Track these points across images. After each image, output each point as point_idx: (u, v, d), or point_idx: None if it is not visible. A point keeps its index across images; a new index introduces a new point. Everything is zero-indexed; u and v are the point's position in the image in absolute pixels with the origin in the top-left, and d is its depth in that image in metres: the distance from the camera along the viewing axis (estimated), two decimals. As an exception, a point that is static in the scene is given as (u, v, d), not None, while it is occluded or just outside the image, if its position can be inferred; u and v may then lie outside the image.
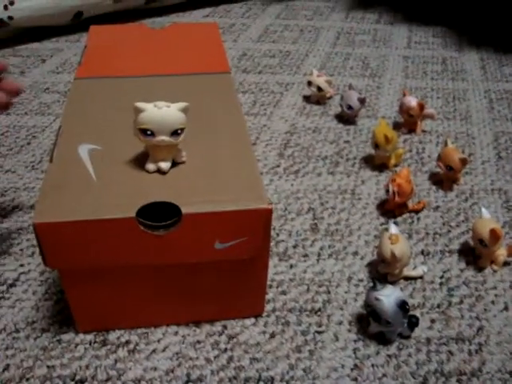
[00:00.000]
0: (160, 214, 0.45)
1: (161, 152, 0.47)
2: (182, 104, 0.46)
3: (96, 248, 0.45)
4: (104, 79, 0.61)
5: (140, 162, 0.49)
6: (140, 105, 0.45)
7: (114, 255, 0.46)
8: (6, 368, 0.50)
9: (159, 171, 0.48)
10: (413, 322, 0.53)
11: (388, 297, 0.50)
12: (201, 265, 0.50)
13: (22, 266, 0.62)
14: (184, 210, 0.44)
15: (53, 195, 0.46)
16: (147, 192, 0.46)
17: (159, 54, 0.70)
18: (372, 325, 0.53)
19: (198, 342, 0.54)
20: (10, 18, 1.14)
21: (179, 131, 0.47)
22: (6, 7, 1.12)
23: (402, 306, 0.50)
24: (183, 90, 0.61)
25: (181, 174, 0.49)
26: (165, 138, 0.46)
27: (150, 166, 0.48)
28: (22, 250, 0.64)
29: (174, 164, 0.49)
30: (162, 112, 0.45)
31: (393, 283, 0.60)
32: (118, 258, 0.46)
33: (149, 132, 0.45)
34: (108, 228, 0.44)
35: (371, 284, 0.53)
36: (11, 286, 0.59)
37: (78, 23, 1.28)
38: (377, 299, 0.51)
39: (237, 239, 0.46)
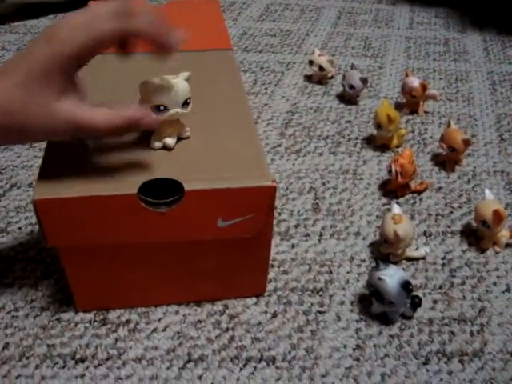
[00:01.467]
0: (162, 190, 0.44)
1: (167, 128, 0.47)
2: (186, 73, 0.46)
3: (97, 225, 0.45)
4: (103, 56, 0.59)
5: (142, 138, 0.48)
6: (147, 82, 0.44)
7: (115, 232, 0.45)
8: (6, 346, 0.50)
9: (165, 147, 0.47)
10: (415, 303, 0.53)
11: (391, 277, 0.50)
12: (203, 243, 0.49)
13: (20, 244, 0.61)
14: (187, 187, 0.43)
15: (53, 172, 0.45)
16: (149, 168, 0.45)
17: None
18: (374, 305, 0.53)
19: (199, 321, 0.53)
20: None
21: (188, 100, 0.46)
22: (1, -17, 1.10)
23: (406, 286, 0.50)
24: (185, 66, 0.59)
25: (184, 150, 0.48)
26: (178, 109, 0.45)
27: (156, 143, 0.47)
28: (20, 228, 0.63)
29: (178, 140, 0.48)
30: (172, 84, 0.44)
31: (395, 264, 0.59)
32: (119, 235, 0.46)
33: (162, 107, 0.44)
34: (109, 205, 0.43)
35: (374, 264, 0.53)
36: (10, 264, 0.59)
37: (75, 0, 1.25)
38: (380, 279, 0.50)
39: (240, 217, 0.46)
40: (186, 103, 0.46)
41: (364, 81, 0.87)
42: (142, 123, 0.43)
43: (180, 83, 0.45)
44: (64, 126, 0.41)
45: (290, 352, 0.51)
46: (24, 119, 0.40)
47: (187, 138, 0.49)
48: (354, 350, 0.51)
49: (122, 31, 0.40)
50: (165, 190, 0.44)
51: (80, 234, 0.45)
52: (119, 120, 0.42)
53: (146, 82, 0.44)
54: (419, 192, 0.71)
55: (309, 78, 0.98)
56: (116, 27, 0.40)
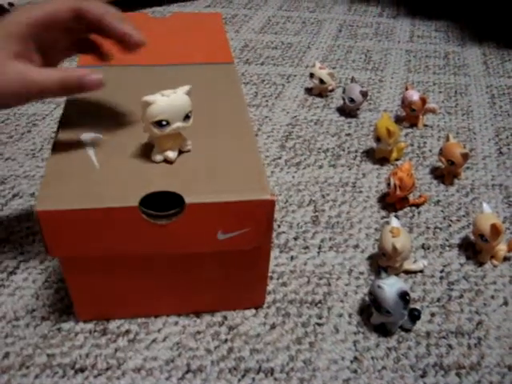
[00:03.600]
0: (163, 203, 0.45)
1: (168, 141, 0.47)
2: (186, 87, 0.47)
3: (98, 236, 0.45)
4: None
5: (143, 150, 0.49)
6: (148, 98, 0.45)
7: (116, 244, 0.46)
8: (6, 356, 0.50)
9: (166, 161, 0.48)
10: (415, 315, 0.53)
11: (390, 286, 0.51)
12: (202, 255, 0.50)
13: (21, 254, 0.62)
14: (187, 200, 0.44)
15: (55, 183, 0.45)
16: (150, 181, 0.46)
17: (162, 43, 0.69)
18: (374, 315, 0.53)
19: (199, 332, 0.54)
20: (11, 4, 1.13)
21: (189, 114, 0.47)
22: (6, -6, 1.12)
23: (403, 296, 0.50)
24: (186, 80, 0.60)
25: (184, 163, 0.48)
26: (179, 124, 0.46)
27: (157, 157, 0.48)
28: (21, 237, 0.64)
29: (179, 153, 0.49)
30: (173, 99, 0.45)
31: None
32: (120, 246, 0.46)
33: (164, 122, 0.45)
34: (111, 217, 0.44)
35: (373, 276, 0.53)
36: (11, 273, 0.59)
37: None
38: (379, 287, 0.51)
39: (239, 230, 0.46)
40: (187, 117, 0.47)
41: (364, 94, 0.88)
42: (86, 79, 0.46)
43: (180, 97, 0.46)
44: (16, 84, 0.45)
45: (288, 364, 0.51)
46: None
47: (188, 151, 0.50)
48: (351, 362, 0.52)
49: (73, 8, 0.48)
50: (165, 203, 0.45)
51: (81, 245, 0.46)
52: (65, 75, 0.46)
53: (147, 97, 0.45)
54: (418, 205, 0.72)
55: (309, 91, 0.99)
56: (69, 4, 0.48)
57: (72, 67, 0.48)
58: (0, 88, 0.45)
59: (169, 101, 0.45)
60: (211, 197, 0.45)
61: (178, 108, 0.45)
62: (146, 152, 0.49)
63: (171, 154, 0.48)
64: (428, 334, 0.55)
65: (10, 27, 0.46)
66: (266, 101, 0.96)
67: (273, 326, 0.55)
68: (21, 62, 0.46)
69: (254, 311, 0.56)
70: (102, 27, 0.49)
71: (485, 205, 0.63)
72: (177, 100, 0.45)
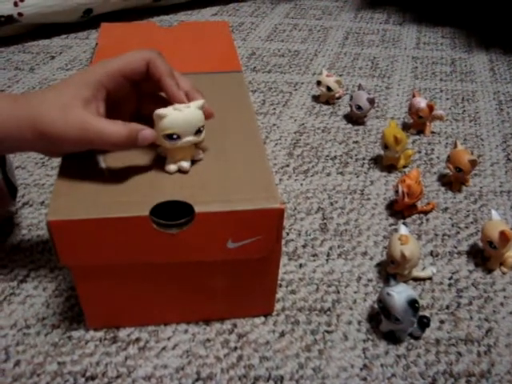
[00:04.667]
0: (173, 212, 0.45)
1: (182, 152, 0.48)
2: (200, 102, 0.47)
3: (109, 246, 0.46)
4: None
5: (154, 160, 0.50)
6: (161, 111, 0.45)
7: (127, 253, 0.46)
8: (17, 364, 0.51)
9: (180, 171, 0.49)
10: (424, 323, 0.53)
11: (399, 293, 0.51)
12: (212, 263, 0.50)
13: (32, 262, 0.62)
14: (197, 209, 0.44)
15: (66, 193, 0.46)
16: (160, 190, 0.46)
17: (170, 52, 0.69)
18: (383, 322, 0.54)
19: (208, 340, 0.54)
20: (20, 14, 1.14)
21: (201, 128, 0.47)
22: (15, 4, 1.13)
23: (412, 303, 0.50)
24: (197, 87, 0.61)
25: (194, 173, 0.49)
26: (190, 138, 0.47)
27: (171, 167, 0.48)
28: (32, 246, 0.64)
29: (192, 162, 0.49)
30: (185, 114, 0.46)
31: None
32: (130, 255, 0.47)
33: (175, 136, 0.46)
34: (121, 226, 0.44)
35: (383, 283, 0.53)
36: (22, 281, 0.59)
37: (87, 20, 1.28)
38: (388, 294, 0.51)
39: (249, 238, 0.47)
40: (199, 131, 0.47)
41: (371, 101, 0.88)
42: (141, 135, 0.46)
43: (193, 112, 0.46)
44: (77, 132, 0.45)
45: (297, 371, 0.51)
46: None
47: (200, 160, 0.50)
48: (361, 369, 0.52)
49: (146, 59, 0.49)
50: (176, 212, 0.45)
51: (92, 254, 0.46)
52: (131, 130, 0.46)
53: (158, 112, 0.45)
54: (426, 212, 0.72)
55: (316, 99, 1.00)
56: (143, 56, 0.49)
57: (129, 122, 0.47)
58: (61, 133, 0.45)
59: (181, 115, 0.45)
60: (221, 206, 0.45)
61: (189, 122, 0.46)
62: (157, 161, 0.49)
63: (185, 164, 0.48)
64: (437, 341, 0.54)
65: (88, 75, 0.47)
66: (274, 109, 0.96)
67: (282, 334, 0.55)
68: (87, 109, 0.46)
69: (263, 319, 0.56)
70: (161, 87, 0.49)
71: (493, 212, 0.63)
72: (189, 114, 0.46)
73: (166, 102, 0.48)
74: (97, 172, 0.48)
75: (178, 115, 0.45)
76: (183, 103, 0.47)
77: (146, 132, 0.46)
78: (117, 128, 0.46)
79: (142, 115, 0.52)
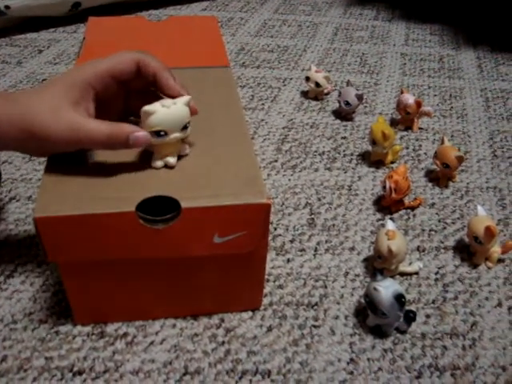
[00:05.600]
0: (159, 207, 0.45)
1: (168, 148, 0.48)
2: (186, 98, 0.47)
3: (96, 241, 0.45)
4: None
5: (141, 155, 0.49)
6: (148, 108, 0.45)
7: (114, 249, 0.46)
8: (4, 359, 0.51)
9: (166, 166, 0.49)
10: (410, 317, 0.53)
11: (386, 288, 0.51)
12: (199, 258, 0.50)
13: (19, 257, 0.62)
14: (183, 205, 0.44)
15: (53, 189, 0.46)
16: (147, 186, 0.46)
17: (158, 47, 0.69)
18: (370, 317, 0.54)
19: (196, 334, 0.54)
20: (7, 7, 1.13)
21: (187, 124, 0.47)
22: (3, -3, 1.12)
23: (399, 298, 0.51)
24: (182, 83, 0.61)
25: (180, 168, 0.49)
26: (177, 134, 0.47)
27: (158, 163, 0.48)
28: (19, 241, 0.64)
29: (178, 158, 0.49)
30: (172, 110, 0.46)
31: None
32: (117, 251, 0.47)
33: (162, 133, 0.46)
34: (108, 222, 0.44)
35: (370, 277, 0.54)
36: (8, 276, 0.59)
37: (75, 14, 1.27)
38: (375, 289, 0.51)
39: (236, 233, 0.47)
40: (185, 127, 0.47)
41: (359, 97, 0.88)
42: (134, 137, 0.46)
43: (179, 108, 0.46)
44: (67, 132, 0.45)
45: (284, 365, 0.51)
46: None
47: (186, 155, 0.50)
48: (347, 363, 0.52)
49: (136, 60, 0.49)
50: (162, 207, 0.45)
51: (79, 250, 0.46)
52: (115, 130, 0.46)
53: (145, 109, 0.45)
54: (413, 208, 0.72)
55: (305, 94, 1.00)
56: (131, 56, 0.49)
57: (121, 123, 0.47)
58: (51, 134, 0.45)
59: (168, 112, 0.45)
60: (207, 201, 0.45)
61: (176, 119, 0.46)
62: (143, 157, 0.49)
63: (172, 160, 0.48)
64: (423, 335, 0.55)
65: (77, 75, 0.47)
66: (262, 104, 0.96)
67: (269, 328, 0.55)
68: (76, 110, 0.46)
69: (250, 313, 0.56)
70: (156, 81, 0.50)
71: (479, 207, 0.64)
72: (176, 111, 0.46)
73: (153, 98, 0.48)
74: (84, 168, 0.48)
75: (166, 112, 0.45)
76: (181, 95, 0.48)
77: (139, 134, 0.46)
78: (106, 129, 0.46)
79: (130, 112, 0.52)
